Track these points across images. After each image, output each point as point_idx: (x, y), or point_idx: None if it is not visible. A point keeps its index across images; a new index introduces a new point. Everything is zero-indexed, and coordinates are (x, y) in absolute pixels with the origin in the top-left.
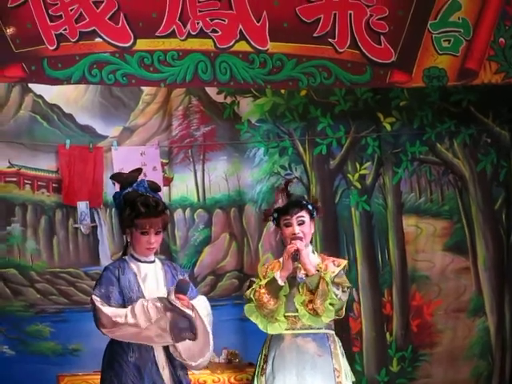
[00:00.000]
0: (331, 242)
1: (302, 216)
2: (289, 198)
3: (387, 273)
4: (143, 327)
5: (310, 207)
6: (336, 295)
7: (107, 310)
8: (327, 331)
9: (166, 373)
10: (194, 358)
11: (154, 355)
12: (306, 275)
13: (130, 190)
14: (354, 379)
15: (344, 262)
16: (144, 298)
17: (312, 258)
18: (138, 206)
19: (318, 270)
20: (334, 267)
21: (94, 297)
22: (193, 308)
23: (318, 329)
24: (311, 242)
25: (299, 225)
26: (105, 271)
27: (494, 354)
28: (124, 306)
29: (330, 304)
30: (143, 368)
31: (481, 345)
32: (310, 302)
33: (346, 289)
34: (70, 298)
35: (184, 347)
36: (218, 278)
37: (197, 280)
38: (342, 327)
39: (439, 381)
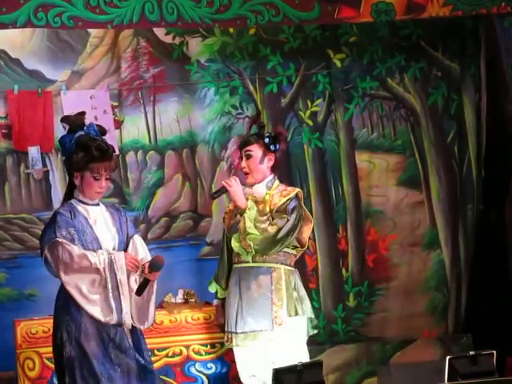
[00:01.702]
0: (284, 180)
1: (249, 150)
2: (261, 129)
3: (341, 209)
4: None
5: (265, 140)
6: (261, 229)
7: (79, 250)
8: (272, 265)
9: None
10: (143, 322)
11: None
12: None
13: (82, 133)
14: (309, 315)
15: (293, 192)
16: (97, 240)
17: (259, 191)
18: (92, 151)
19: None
20: (280, 198)
21: (58, 239)
22: None
23: (261, 262)
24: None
25: (247, 159)
26: (58, 215)
27: (449, 286)
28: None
29: (251, 239)
30: None
31: (436, 278)
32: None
33: (277, 220)
34: (25, 244)
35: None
36: (173, 220)
37: (151, 222)
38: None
39: (396, 314)
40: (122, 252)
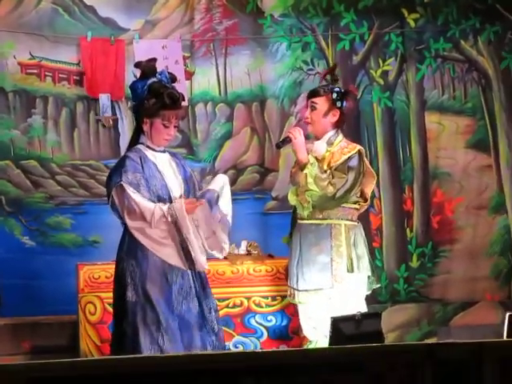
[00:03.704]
0: (353, 138)
1: (315, 102)
2: (334, 82)
3: (408, 169)
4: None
5: (333, 95)
6: (320, 186)
7: (139, 198)
8: (333, 221)
9: None
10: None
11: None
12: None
13: (154, 79)
14: (369, 273)
15: (354, 150)
16: (166, 186)
17: (320, 148)
18: (164, 98)
19: (317, 160)
20: (341, 155)
21: (123, 184)
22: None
23: (321, 219)
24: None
25: (312, 110)
26: (127, 159)
27: None
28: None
29: (309, 195)
30: None
31: (501, 242)
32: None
33: (336, 179)
34: (91, 191)
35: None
36: (239, 173)
37: (218, 174)
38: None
39: (459, 277)
40: (181, 200)
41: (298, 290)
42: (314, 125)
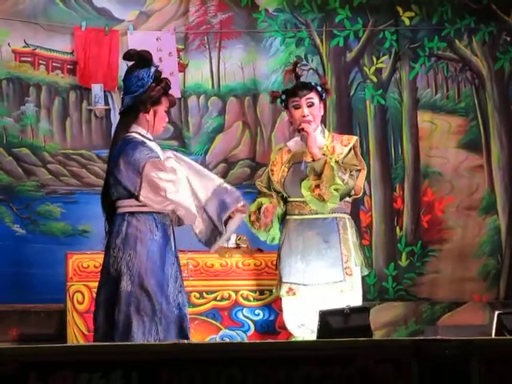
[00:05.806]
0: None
1: (311, 98)
2: (298, 79)
3: (400, 167)
4: None
5: (319, 89)
6: (342, 180)
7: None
8: (338, 215)
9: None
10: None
11: (173, 232)
12: (313, 160)
13: (155, 67)
14: (365, 265)
15: (353, 140)
16: None
17: (320, 140)
18: (166, 85)
19: (324, 154)
20: (342, 147)
21: (153, 160)
22: None
23: (327, 213)
24: (323, 123)
25: (308, 107)
26: (136, 143)
27: (503, 252)
28: None
29: (335, 189)
30: (164, 248)
31: (491, 243)
32: (317, 187)
33: (353, 172)
34: (82, 180)
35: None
36: (230, 166)
37: (209, 167)
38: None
39: (447, 277)
40: None
41: (304, 284)
42: (315, 120)
